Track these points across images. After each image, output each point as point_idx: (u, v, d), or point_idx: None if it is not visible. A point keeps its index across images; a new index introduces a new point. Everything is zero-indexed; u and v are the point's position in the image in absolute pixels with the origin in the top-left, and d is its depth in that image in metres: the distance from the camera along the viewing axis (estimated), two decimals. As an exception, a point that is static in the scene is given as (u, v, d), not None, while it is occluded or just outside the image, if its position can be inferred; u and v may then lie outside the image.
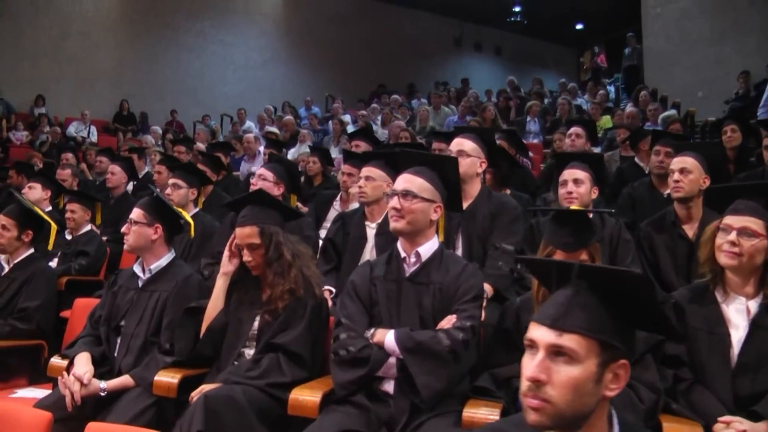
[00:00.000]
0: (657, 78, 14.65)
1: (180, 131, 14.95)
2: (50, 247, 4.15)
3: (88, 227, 5.16)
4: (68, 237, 5.10)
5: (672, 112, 9.64)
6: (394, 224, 2.70)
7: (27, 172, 6.96)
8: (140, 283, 3.20)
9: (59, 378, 2.82)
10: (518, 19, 19.54)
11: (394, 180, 3.92)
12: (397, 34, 19.02)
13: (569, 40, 22.82)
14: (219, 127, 13.65)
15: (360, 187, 3.90)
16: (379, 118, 11.84)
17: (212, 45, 16.58)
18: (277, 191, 4.24)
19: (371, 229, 3.88)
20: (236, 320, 2.97)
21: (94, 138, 13.87)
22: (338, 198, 5.19)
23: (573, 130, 6.09)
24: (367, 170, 3.92)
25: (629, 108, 9.61)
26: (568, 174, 3.75)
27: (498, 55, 21.55)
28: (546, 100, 13.45)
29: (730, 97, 12.05)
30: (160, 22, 15.86)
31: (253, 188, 4.15)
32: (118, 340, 3.11)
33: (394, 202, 2.69)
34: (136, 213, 3.19)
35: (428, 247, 2.74)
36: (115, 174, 6.33)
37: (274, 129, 9.96)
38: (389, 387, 2.58)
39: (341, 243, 3.97)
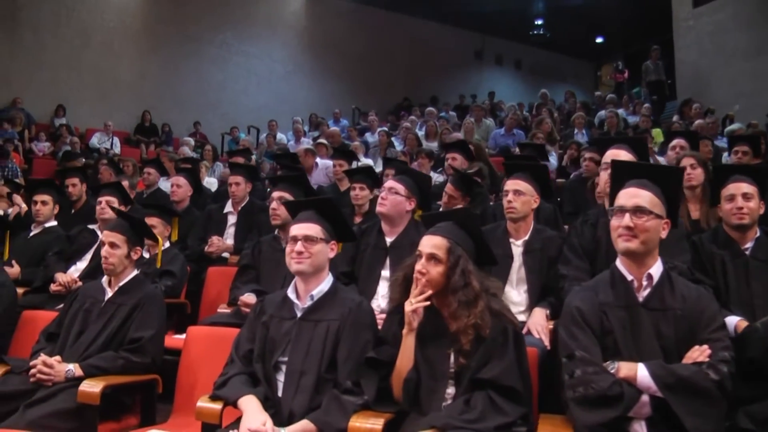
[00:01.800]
0: (689, 91, 14.42)
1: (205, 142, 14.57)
2: (158, 265, 3.70)
3: (167, 244, 4.73)
4: (146, 254, 4.65)
5: (738, 125, 9.30)
6: (625, 244, 2.41)
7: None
8: (299, 312, 2.76)
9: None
10: (541, 32, 19.30)
11: (539, 194, 3.71)
12: (419, 47, 18.74)
13: (587, 54, 22.65)
14: (248, 139, 13.16)
15: (509, 201, 3.65)
16: (423, 130, 11.44)
17: (235, 56, 16.22)
18: (408, 207, 3.83)
19: (517, 247, 3.67)
20: (425, 360, 2.59)
21: (117, 149, 13.42)
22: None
23: (677, 141, 5.71)
24: (514, 183, 3.71)
25: (698, 122, 9.24)
26: (735, 188, 3.38)
27: (518, 68, 21.34)
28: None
29: (769, 111, 11.73)
30: (183, 33, 15.49)
31: (381, 201, 3.76)
32: (281, 378, 2.67)
33: (626, 220, 2.38)
34: (313, 229, 2.82)
35: (657, 268, 2.46)
36: (181, 186, 5.94)
37: (323, 141, 9.52)
38: (639, 428, 2.27)
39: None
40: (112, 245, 3.34)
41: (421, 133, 11.35)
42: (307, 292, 2.80)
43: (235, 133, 13.52)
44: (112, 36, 14.81)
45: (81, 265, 4.84)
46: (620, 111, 13.31)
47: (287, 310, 2.82)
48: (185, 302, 4.65)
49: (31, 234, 5.29)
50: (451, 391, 2.54)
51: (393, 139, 11.25)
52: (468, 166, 5.70)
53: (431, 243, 2.60)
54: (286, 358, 2.72)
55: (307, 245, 2.77)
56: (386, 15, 18.36)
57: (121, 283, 3.38)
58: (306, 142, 11.49)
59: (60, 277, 4.60)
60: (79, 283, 4.58)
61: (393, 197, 3.80)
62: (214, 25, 15.89)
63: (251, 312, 2.93)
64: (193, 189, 6.03)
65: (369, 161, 8.39)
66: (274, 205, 4.17)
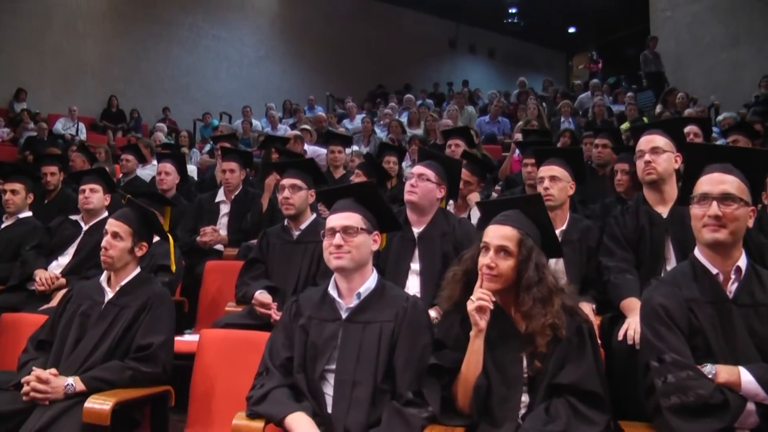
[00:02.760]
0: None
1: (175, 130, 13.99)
2: (173, 268, 3.30)
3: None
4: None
5: (730, 114, 9.19)
6: (713, 235, 2.17)
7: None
8: (344, 313, 2.43)
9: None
10: (515, 20, 19.11)
11: (574, 180, 3.46)
12: (393, 34, 18.39)
13: (560, 44, 22.58)
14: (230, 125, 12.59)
15: (546, 189, 3.43)
16: (404, 117, 11.11)
17: (205, 40, 15.61)
18: (439, 194, 3.52)
19: None
20: (496, 365, 2.28)
21: (82, 136, 12.75)
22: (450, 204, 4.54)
23: (691, 128, 5.49)
24: (548, 169, 3.53)
25: (687, 111, 9.10)
26: None
27: (491, 57, 21.14)
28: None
29: (746, 101, 11.74)
30: (151, 14, 14.82)
31: (411, 189, 3.45)
32: (328, 391, 2.34)
33: (713, 208, 2.15)
34: (353, 219, 2.49)
35: (743, 260, 2.24)
36: (169, 174, 5.53)
37: (308, 127, 9.10)
38: (743, 439, 2.00)
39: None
40: (115, 236, 2.93)
41: (402, 120, 11.05)
42: (352, 290, 2.48)
43: (208, 120, 12.98)
44: (75, 16, 14.03)
45: (63, 260, 4.39)
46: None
47: (329, 311, 2.49)
48: (183, 300, 4.25)
49: (2, 226, 4.81)
50: (525, 398, 2.26)
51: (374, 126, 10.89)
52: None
53: (500, 234, 2.33)
54: (333, 367, 2.39)
55: (347, 237, 2.46)
56: (359, 1, 17.92)
57: (122, 282, 2.97)
58: (283, 129, 11.08)
59: (40, 274, 4.18)
60: (62, 280, 4.18)
61: (424, 184, 3.48)
62: (184, 6, 15.26)
63: (285, 313, 2.59)
64: (180, 177, 5.60)
65: (355, 148, 8.02)
66: (286, 193, 3.79)
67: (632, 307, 2.86)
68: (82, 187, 4.52)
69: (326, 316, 2.48)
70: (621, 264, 3.16)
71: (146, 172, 7.45)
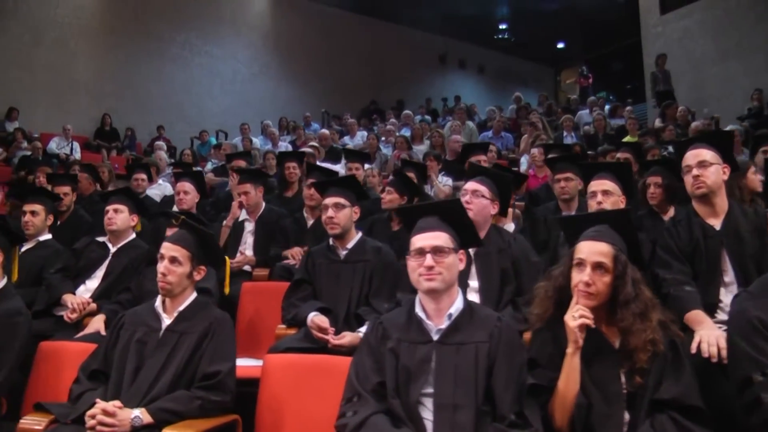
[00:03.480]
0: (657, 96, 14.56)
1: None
2: (227, 291, 3.17)
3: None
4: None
5: (736, 126, 9.25)
6: None
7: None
8: (435, 335, 2.34)
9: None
10: (506, 36, 19.23)
11: (624, 194, 3.46)
12: (384, 50, 18.41)
13: (548, 59, 22.74)
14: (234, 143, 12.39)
15: (599, 203, 3.53)
16: (406, 133, 11.05)
17: (198, 57, 15.46)
18: (493, 210, 3.47)
19: None
20: (594, 382, 2.23)
21: (77, 155, 12.53)
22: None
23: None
24: (601, 183, 3.61)
25: (694, 124, 9.14)
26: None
27: (481, 72, 21.21)
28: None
29: (739, 114, 11.88)
30: (143, 31, 14.66)
31: (466, 206, 3.32)
32: (427, 416, 2.25)
33: None
34: (442, 238, 2.42)
35: None
36: (188, 193, 5.37)
37: (316, 144, 9.01)
38: None
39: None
40: (173, 261, 2.80)
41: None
42: (441, 311, 2.40)
43: (205, 137, 12.82)
44: (66, 33, 13.85)
45: (91, 284, 4.22)
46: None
47: (417, 333, 2.40)
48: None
49: (23, 249, 4.64)
50: (626, 416, 2.20)
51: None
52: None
53: (596, 250, 2.30)
54: (428, 390, 2.30)
55: (438, 258, 2.38)
56: (351, 17, 17.94)
57: (180, 308, 2.83)
58: (283, 146, 10.98)
59: (70, 298, 4.01)
60: (93, 305, 4.02)
61: (478, 201, 3.44)
62: (177, 23, 15.12)
63: (370, 337, 2.48)
64: (199, 195, 5.47)
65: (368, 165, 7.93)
66: (330, 212, 3.69)
67: (699, 320, 2.82)
68: (107, 207, 4.39)
69: (416, 339, 2.39)
70: (678, 276, 3.10)
71: (153, 192, 7.32)
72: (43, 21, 13.55)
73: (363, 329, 3.30)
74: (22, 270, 4.36)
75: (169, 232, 4.03)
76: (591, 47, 21.37)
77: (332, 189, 3.80)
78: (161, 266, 2.78)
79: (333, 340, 3.24)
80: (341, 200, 3.73)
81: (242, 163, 6.56)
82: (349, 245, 3.76)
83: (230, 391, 2.67)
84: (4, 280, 3.23)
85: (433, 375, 2.31)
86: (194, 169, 7.31)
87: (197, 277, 2.88)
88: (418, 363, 2.33)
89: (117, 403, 2.51)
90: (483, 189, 3.49)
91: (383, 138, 11.03)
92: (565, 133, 10.73)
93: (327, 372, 2.82)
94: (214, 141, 12.70)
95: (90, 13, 14.16)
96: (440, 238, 2.42)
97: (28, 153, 11.60)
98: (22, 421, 2.57)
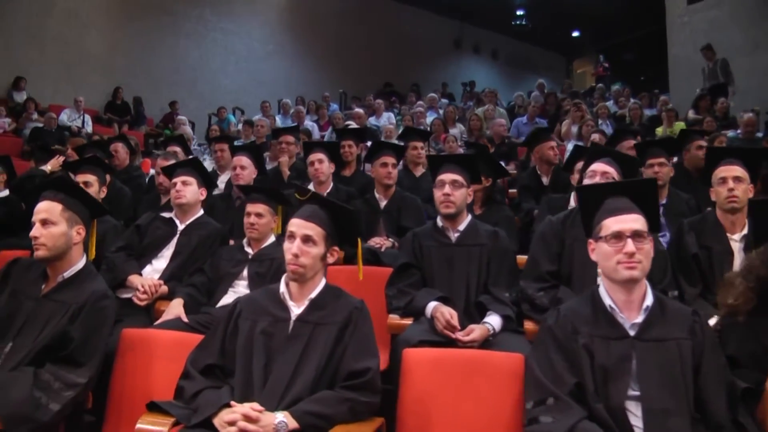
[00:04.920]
0: (683, 87, 14.29)
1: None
2: (361, 276, 2.78)
3: (273, 238, 3.80)
4: (248, 250, 3.72)
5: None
6: None
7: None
8: (632, 330, 2.09)
9: None
10: (523, 22, 18.82)
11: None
12: (399, 32, 17.95)
13: (561, 47, 22.39)
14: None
15: (731, 189, 3.35)
16: (432, 117, 10.67)
17: (212, 33, 14.92)
18: None
19: (736, 242, 3.34)
20: None
21: (89, 128, 12.06)
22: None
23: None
24: (731, 169, 3.40)
25: (747, 116, 8.81)
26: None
27: (494, 58, 20.79)
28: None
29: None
30: (157, 5, 14.11)
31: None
32: (636, 422, 2.00)
33: None
34: (640, 222, 2.18)
35: None
36: (246, 168, 4.96)
37: (352, 123, 8.62)
38: None
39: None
40: (306, 240, 2.40)
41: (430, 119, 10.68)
42: (633, 303, 2.15)
43: (223, 114, 12.35)
44: (78, 4, 13.28)
45: (158, 264, 3.81)
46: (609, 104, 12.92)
47: (609, 328, 2.13)
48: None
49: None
50: None
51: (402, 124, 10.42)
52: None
53: None
54: (634, 393, 2.01)
55: (638, 244, 2.10)
56: (367, -2, 17.46)
57: (312, 295, 2.43)
58: (310, 125, 10.58)
59: (138, 280, 3.61)
60: (164, 288, 3.62)
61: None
62: (192, -3, 14.58)
63: (556, 330, 2.17)
64: (258, 171, 5.06)
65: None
66: (447, 189, 3.33)
67: None
68: (174, 179, 3.98)
69: (609, 334, 2.12)
70: None
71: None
72: (53, -10, 12.99)
73: (491, 321, 3.00)
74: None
75: (252, 207, 3.67)
76: (605, 37, 21.02)
77: (449, 166, 3.43)
78: (294, 246, 2.38)
79: (462, 337, 2.87)
80: (459, 178, 3.38)
81: (290, 138, 6.12)
82: (461, 227, 3.41)
83: (379, 390, 2.30)
84: (84, 259, 2.82)
85: (635, 376, 2.03)
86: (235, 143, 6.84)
87: (331, 259, 2.49)
88: (616, 362, 2.07)
89: (256, 406, 2.12)
90: (612, 171, 3.28)
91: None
92: (600, 121, 10.38)
93: (479, 369, 2.50)
94: (233, 118, 12.24)
95: (102, -17, 13.60)
96: (639, 221, 2.16)
97: (40, 125, 11.13)
98: (139, 424, 2.18)
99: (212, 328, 2.54)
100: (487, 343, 2.94)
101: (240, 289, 3.56)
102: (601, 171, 3.24)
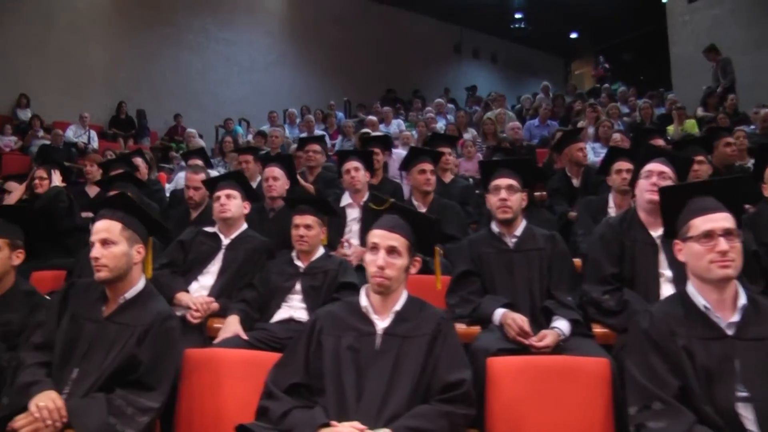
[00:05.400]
0: (686, 85, 14.29)
1: (183, 138, 13.25)
2: (439, 286, 2.71)
3: (322, 250, 3.72)
4: (298, 263, 3.64)
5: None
6: None
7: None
8: (730, 329, 2.05)
9: None
10: (522, 26, 18.82)
11: None
12: (400, 38, 17.94)
13: (559, 49, 22.41)
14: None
15: None
16: (442, 122, 10.64)
17: (214, 44, 14.86)
18: None
19: None
20: None
21: (95, 144, 11.97)
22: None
23: None
24: None
25: (764, 111, 8.78)
26: None
27: (494, 62, 20.80)
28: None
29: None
30: (158, 17, 14.05)
31: (653, 189, 3.07)
32: (749, 426, 1.94)
33: None
34: (731, 221, 2.18)
35: None
36: (278, 179, 4.86)
37: (368, 130, 8.55)
38: None
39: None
40: (391, 251, 2.33)
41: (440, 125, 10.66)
42: (725, 301, 2.13)
43: (230, 126, 12.28)
44: (79, 17, 13.22)
45: (205, 280, 3.72)
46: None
47: (705, 327, 2.10)
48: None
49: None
50: None
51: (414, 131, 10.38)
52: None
53: None
54: (744, 394, 1.97)
55: (730, 242, 2.10)
56: (366, 5, 17.42)
57: (396, 307, 2.36)
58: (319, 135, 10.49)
59: (188, 298, 3.51)
60: (215, 305, 3.53)
61: (666, 183, 3.11)
62: (193, 9, 14.52)
63: (651, 332, 2.14)
64: (290, 182, 4.98)
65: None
66: (503, 194, 3.27)
67: None
68: (218, 193, 3.90)
69: (707, 334, 2.09)
70: None
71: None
72: (55, 5, 12.93)
73: (560, 326, 2.94)
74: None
75: (301, 218, 3.59)
76: (603, 38, 21.05)
77: (503, 170, 3.37)
78: (379, 258, 2.31)
79: (536, 343, 2.81)
80: (514, 183, 3.34)
81: (318, 147, 6.06)
82: (517, 232, 3.36)
83: (474, 402, 2.23)
84: (143, 279, 2.74)
85: (740, 376, 1.99)
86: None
87: (413, 270, 2.42)
88: (718, 362, 2.04)
89: (358, 425, 2.05)
90: (669, 171, 3.24)
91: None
92: (612, 122, 10.34)
93: (565, 375, 2.46)
94: (240, 129, 12.17)
95: (104, -2, 13.53)
96: (728, 219, 2.15)
97: (47, 142, 11.03)
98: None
99: (290, 346, 2.46)
100: (558, 348, 2.89)
101: (294, 303, 3.48)
102: (657, 171, 3.20)
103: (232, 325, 3.26)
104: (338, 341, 2.32)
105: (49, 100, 12.63)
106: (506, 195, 3.28)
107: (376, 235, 2.36)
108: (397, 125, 11.09)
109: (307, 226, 3.59)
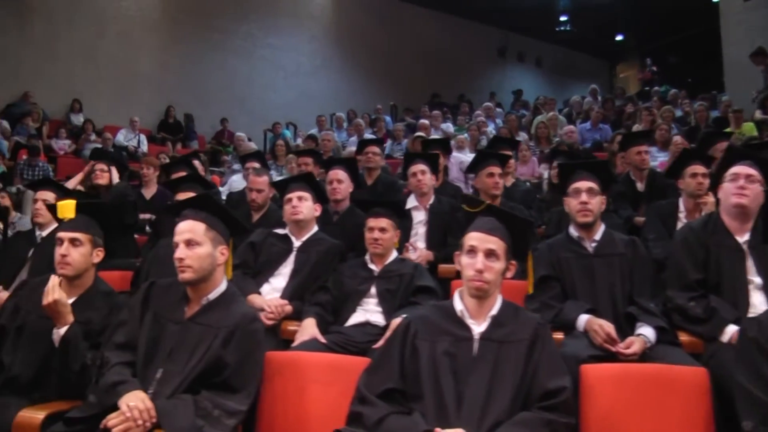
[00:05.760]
0: (739, 87, 13.89)
1: (231, 142, 13.37)
2: (531, 290, 2.64)
3: (395, 254, 3.67)
4: (372, 267, 3.59)
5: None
6: None
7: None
8: None
9: None
10: (567, 28, 18.57)
11: None
12: (445, 43, 17.83)
13: (603, 52, 22.08)
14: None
15: None
16: (491, 126, 10.54)
17: (260, 49, 14.97)
18: (760, 199, 3.06)
19: None
20: None
21: (144, 147, 12.15)
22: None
23: None
24: None
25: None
26: None
27: (538, 66, 20.57)
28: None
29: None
30: (205, 23, 14.21)
31: (741, 192, 3.03)
32: None
33: None
34: None
35: None
36: (342, 182, 4.81)
37: (422, 134, 8.48)
38: None
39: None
40: (490, 255, 2.27)
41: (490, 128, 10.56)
42: None
43: (278, 130, 12.33)
44: (130, 25, 13.45)
45: (277, 282, 3.70)
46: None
47: None
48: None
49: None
50: None
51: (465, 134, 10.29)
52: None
53: None
54: None
55: None
56: (411, 9, 17.36)
57: (493, 311, 2.30)
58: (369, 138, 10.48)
59: (261, 300, 3.50)
60: (289, 308, 3.50)
61: (754, 186, 3.05)
62: (239, 15, 14.65)
63: (761, 341, 2.07)
64: (354, 185, 4.93)
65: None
66: (584, 198, 3.19)
67: None
68: (289, 195, 3.88)
69: None
70: None
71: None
72: (108, 13, 13.18)
73: (645, 333, 2.86)
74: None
75: (375, 221, 3.53)
76: (649, 40, 20.68)
77: (583, 173, 3.29)
78: (477, 261, 2.24)
79: (624, 350, 2.72)
80: (594, 185, 3.26)
81: (377, 150, 6.01)
82: (597, 236, 3.27)
83: (575, 410, 2.17)
84: (225, 280, 2.71)
85: None
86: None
87: (509, 274, 2.35)
88: None
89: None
90: (756, 174, 3.11)
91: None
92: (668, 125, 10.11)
93: (662, 384, 2.39)
94: (288, 133, 12.22)
95: (153, 5, 13.75)
96: None
97: (98, 145, 11.22)
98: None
99: (382, 350, 2.42)
100: (645, 356, 2.80)
101: (370, 307, 3.46)
102: (745, 174, 3.08)
103: (309, 328, 3.23)
104: (434, 346, 2.26)
105: (101, 105, 12.90)
106: (587, 198, 3.20)
107: (474, 238, 2.30)
108: (446, 128, 11.00)
109: (381, 229, 3.56)
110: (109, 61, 13.16)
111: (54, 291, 2.64)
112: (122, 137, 11.97)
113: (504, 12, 17.99)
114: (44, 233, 4.54)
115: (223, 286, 2.65)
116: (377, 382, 2.27)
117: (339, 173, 4.83)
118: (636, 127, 9.00)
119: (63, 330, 2.70)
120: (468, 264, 2.28)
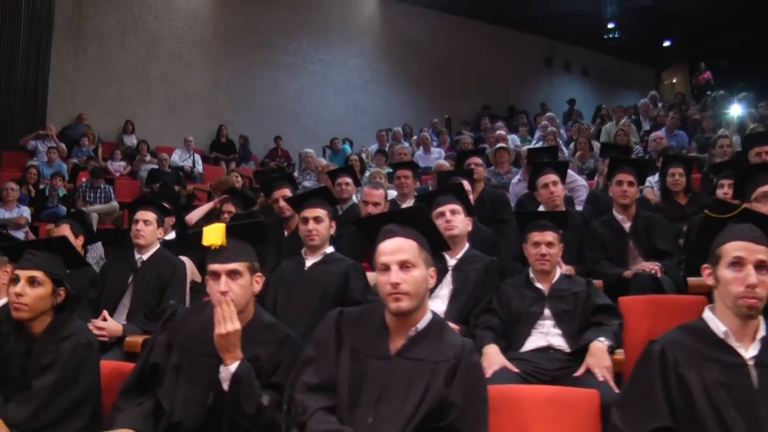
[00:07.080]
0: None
1: (287, 160, 13.10)
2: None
3: (559, 271, 3.29)
4: (539, 286, 3.22)
5: None
6: None
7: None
8: None
9: None
10: (615, 35, 18.10)
11: None
12: (493, 54, 17.45)
13: (649, 59, 21.55)
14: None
15: None
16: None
17: (310, 65, 14.70)
18: None
19: None
20: None
21: (199, 168, 11.93)
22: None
23: None
24: None
25: None
26: None
27: (585, 75, 20.11)
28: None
29: None
30: (255, 39, 14.00)
31: None
32: None
33: None
34: None
35: None
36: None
37: (504, 145, 8.12)
38: None
39: None
40: (761, 267, 1.93)
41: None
42: None
43: (336, 146, 12.04)
44: (180, 45, 13.28)
45: (436, 306, 3.27)
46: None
47: None
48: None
49: (308, 264, 3.77)
50: None
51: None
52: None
53: None
54: None
55: None
56: (459, 20, 17.02)
57: (762, 333, 1.95)
58: (437, 153, 10.14)
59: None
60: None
61: None
62: (288, 31, 14.40)
63: None
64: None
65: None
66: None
67: None
68: (441, 209, 3.55)
69: None
70: None
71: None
72: (159, 34, 13.03)
73: None
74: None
75: (540, 236, 3.18)
76: (697, 45, 20.13)
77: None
78: (750, 276, 1.92)
79: None
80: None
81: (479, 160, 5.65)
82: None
83: None
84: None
85: None
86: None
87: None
88: None
89: None
90: None
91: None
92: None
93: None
94: (349, 149, 11.91)
95: (202, 24, 13.55)
96: None
97: (155, 166, 11.04)
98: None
99: (634, 383, 2.04)
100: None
101: (547, 329, 3.09)
102: None
103: (495, 356, 2.86)
104: (700, 376, 1.85)
105: (152, 125, 12.73)
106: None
107: (739, 248, 1.95)
108: (511, 140, 10.61)
109: (548, 244, 3.20)
110: (159, 81, 13.03)
111: (231, 320, 2.30)
112: (177, 158, 11.78)
113: (550, 21, 17.61)
114: (144, 257, 4.23)
115: (429, 314, 2.27)
116: (642, 422, 1.91)
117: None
118: (754, 128, 8.49)
119: (233, 367, 2.34)
120: (735, 279, 1.93)
